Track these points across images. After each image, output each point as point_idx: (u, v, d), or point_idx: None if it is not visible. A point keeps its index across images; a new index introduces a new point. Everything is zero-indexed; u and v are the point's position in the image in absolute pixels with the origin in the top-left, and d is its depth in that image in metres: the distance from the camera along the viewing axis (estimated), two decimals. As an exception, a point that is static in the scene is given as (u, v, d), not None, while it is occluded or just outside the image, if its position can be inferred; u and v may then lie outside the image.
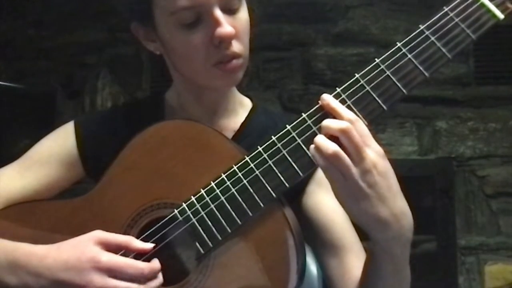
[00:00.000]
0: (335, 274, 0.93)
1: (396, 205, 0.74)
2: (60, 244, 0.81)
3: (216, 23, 0.84)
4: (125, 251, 0.80)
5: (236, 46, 0.87)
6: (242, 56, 0.88)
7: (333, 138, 0.74)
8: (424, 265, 2.28)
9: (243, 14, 0.89)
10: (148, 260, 0.81)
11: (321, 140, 0.74)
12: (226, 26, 0.84)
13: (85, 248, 0.78)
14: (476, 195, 2.44)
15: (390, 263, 0.78)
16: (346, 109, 0.76)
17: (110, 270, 0.76)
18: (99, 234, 0.80)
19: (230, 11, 0.86)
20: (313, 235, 0.95)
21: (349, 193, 0.73)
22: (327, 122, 0.75)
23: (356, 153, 0.72)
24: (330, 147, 0.72)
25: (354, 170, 0.72)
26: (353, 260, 0.92)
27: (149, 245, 0.81)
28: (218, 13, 0.84)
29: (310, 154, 0.75)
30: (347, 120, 0.73)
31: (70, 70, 2.80)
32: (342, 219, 0.95)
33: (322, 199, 0.96)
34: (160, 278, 0.79)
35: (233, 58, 0.87)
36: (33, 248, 0.81)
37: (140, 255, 0.81)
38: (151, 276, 0.78)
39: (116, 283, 0.75)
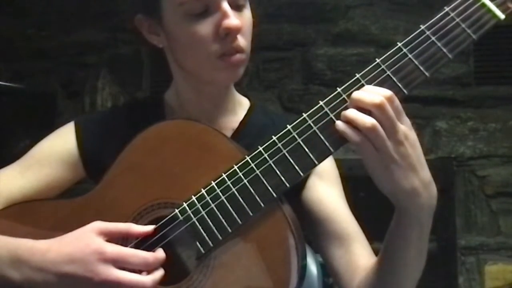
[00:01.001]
0: (341, 264, 0.93)
1: (425, 174, 0.77)
2: (62, 237, 0.81)
3: (224, 15, 0.85)
4: (127, 238, 0.81)
5: (241, 41, 0.88)
6: (245, 52, 0.90)
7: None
8: (424, 265, 2.27)
9: (248, 12, 0.91)
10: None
11: (355, 113, 0.75)
12: (234, 18, 0.85)
13: (88, 240, 0.78)
14: (476, 195, 2.44)
15: (417, 232, 0.81)
16: (379, 88, 0.76)
17: (115, 261, 0.76)
18: (99, 225, 0.80)
19: (237, 7, 0.88)
20: (316, 228, 0.95)
21: (383, 165, 0.75)
22: (359, 95, 0.75)
23: (390, 126, 0.74)
24: (367, 120, 0.74)
25: (388, 142, 0.74)
26: (359, 249, 0.93)
27: (149, 228, 0.81)
28: (226, 5, 0.85)
29: (340, 130, 0.76)
30: (384, 95, 0.74)
31: (70, 70, 2.80)
32: (344, 209, 0.97)
33: (324, 191, 0.97)
34: (161, 269, 0.80)
35: (237, 52, 0.88)
36: (35, 243, 0.81)
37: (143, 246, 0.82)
38: (156, 265, 0.79)
39: (122, 274, 0.76)
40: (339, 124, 0.76)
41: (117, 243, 0.79)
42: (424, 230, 0.81)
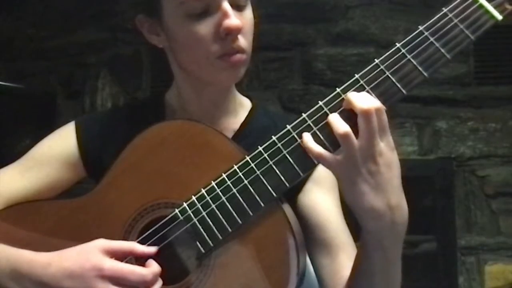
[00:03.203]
0: (326, 273, 0.93)
1: (392, 198, 0.74)
2: (63, 251, 0.81)
3: (225, 15, 0.85)
4: (130, 256, 0.81)
5: (241, 41, 0.88)
6: (246, 52, 0.90)
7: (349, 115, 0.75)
8: (424, 265, 2.28)
9: (249, 13, 0.91)
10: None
11: (334, 118, 0.76)
12: (234, 18, 0.85)
13: (88, 255, 0.78)
14: (476, 195, 2.44)
15: (380, 255, 0.78)
16: (374, 98, 0.76)
17: (113, 278, 0.76)
18: (103, 243, 0.80)
19: (238, 7, 0.88)
20: (306, 234, 0.94)
21: (348, 175, 0.74)
22: (353, 96, 0.75)
23: (367, 138, 0.73)
24: (342, 127, 0.74)
25: (359, 154, 0.73)
26: (345, 260, 0.92)
27: (152, 249, 0.82)
28: (227, 5, 0.85)
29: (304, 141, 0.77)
30: (374, 105, 0.73)
31: (70, 70, 2.80)
32: (337, 219, 0.95)
33: (319, 197, 0.96)
34: (160, 281, 0.80)
35: (238, 52, 0.88)
36: (36, 256, 0.81)
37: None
38: (154, 281, 0.79)
39: None
40: (305, 136, 0.77)
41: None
42: (388, 255, 0.78)
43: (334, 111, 0.78)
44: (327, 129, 0.78)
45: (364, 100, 0.74)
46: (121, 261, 0.79)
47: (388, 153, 0.74)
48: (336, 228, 0.94)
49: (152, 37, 0.95)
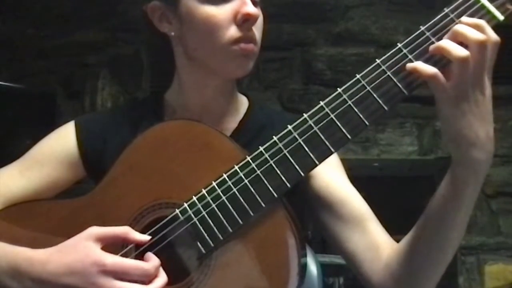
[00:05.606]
0: (360, 246, 0.92)
1: (491, 129, 0.77)
2: (60, 247, 0.80)
3: (244, 2, 0.89)
4: (124, 243, 0.81)
5: (255, 33, 0.91)
6: (257, 44, 0.93)
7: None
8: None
9: (260, 12, 0.95)
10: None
11: (450, 43, 0.74)
12: (252, 6, 0.89)
13: (87, 249, 0.77)
14: (476, 195, 2.44)
15: (472, 188, 0.79)
16: (483, 23, 0.76)
17: (115, 273, 0.76)
18: (96, 231, 0.79)
19: (253, 2, 0.91)
20: (328, 213, 0.94)
21: (457, 103, 0.75)
22: (464, 29, 0.75)
23: (480, 68, 0.74)
24: (463, 51, 0.73)
25: (471, 81, 0.74)
26: (375, 227, 0.93)
27: (146, 237, 0.81)
28: None
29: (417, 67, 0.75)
30: (491, 35, 0.75)
31: (70, 70, 2.80)
32: (353, 191, 0.96)
33: (331, 176, 0.97)
34: (164, 276, 0.80)
35: (251, 41, 0.91)
36: (34, 253, 0.81)
37: (140, 253, 0.82)
38: (156, 275, 0.79)
39: (122, 285, 0.76)
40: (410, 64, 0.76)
41: (116, 247, 0.80)
42: (477, 189, 0.80)
43: (336, 111, 0.78)
44: (329, 129, 0.78)
45: (473, 32, 0.74)
46: (118, 247, 0.79)
47: (489, 86, 0.76)
48: (356, 199, 0.95)
49: (163, 25, 0.95)
